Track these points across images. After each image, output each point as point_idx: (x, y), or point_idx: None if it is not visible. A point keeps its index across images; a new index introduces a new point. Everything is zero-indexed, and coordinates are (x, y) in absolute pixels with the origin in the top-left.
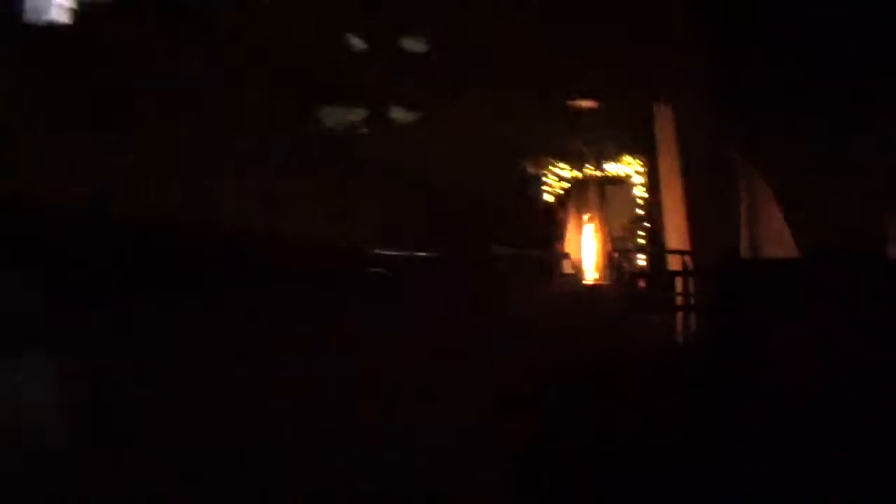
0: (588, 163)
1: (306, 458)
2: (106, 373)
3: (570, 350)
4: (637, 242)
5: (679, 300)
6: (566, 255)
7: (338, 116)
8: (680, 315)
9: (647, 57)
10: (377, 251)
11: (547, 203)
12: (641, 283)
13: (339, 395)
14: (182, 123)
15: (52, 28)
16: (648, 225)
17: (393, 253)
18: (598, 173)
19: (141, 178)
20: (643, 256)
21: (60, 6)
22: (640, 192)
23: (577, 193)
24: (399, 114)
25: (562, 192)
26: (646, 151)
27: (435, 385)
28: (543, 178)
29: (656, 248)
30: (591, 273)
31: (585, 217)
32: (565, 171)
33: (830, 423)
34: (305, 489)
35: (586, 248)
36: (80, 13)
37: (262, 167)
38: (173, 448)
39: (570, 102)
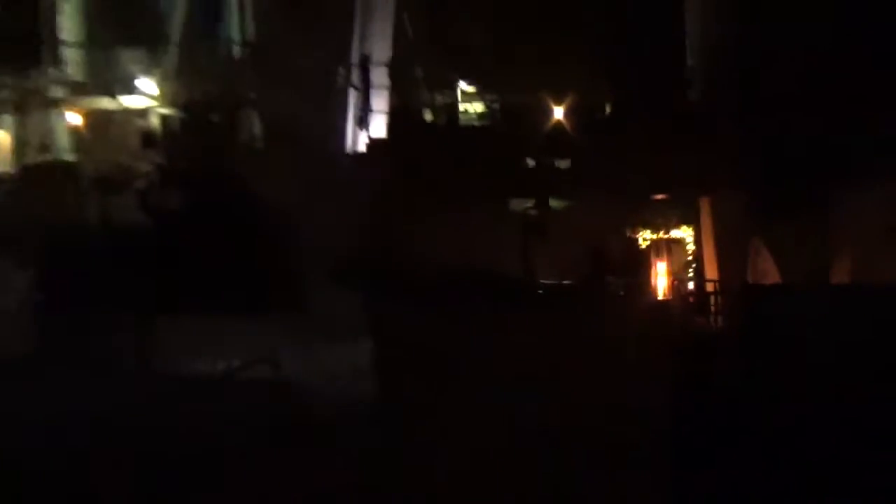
0: (661, 229)
1: None
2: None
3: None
4: (688, 276)
5: (711, 309)
6: (651, 282)
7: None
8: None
9: (695, 173)
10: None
11: (641, 251)
12: (690, 299)
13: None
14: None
15: None
16: (695, 266)
17: (551, 282)
18: (667, 235)
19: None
20: (692, 284)
21: None
22: (690, 247)
23: (656, 246)
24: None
25: (647, 244)
26: (694, 223)
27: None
28: (639, 237)
29: (699, 279)
30: (663, 293)
31: (661, 260)
32: (648, 234)
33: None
34: None
35: (661, 279)
36: None
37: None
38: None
39: (654, 196)
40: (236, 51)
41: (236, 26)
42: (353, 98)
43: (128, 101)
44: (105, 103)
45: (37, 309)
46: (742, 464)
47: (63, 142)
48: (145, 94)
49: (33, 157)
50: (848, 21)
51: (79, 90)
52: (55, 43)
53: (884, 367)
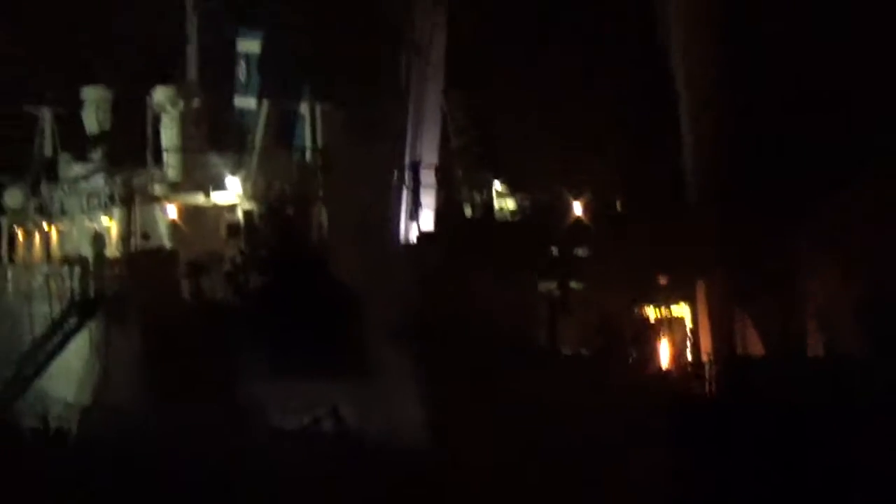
0: (664, 307)
1: None
2: None
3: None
4: (686, 347)
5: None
6: (655, 352)
7: None
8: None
9: (691, 260)
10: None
11: (648, 325)
12: (688, 367)
13: None
14: None
15: None
16: (692, 338)
17: (571, 350)
18: (669, 312)
19: None
20: (690, 354)
21: None
22: (688, 322)
23: (659, 322)
24: None
25: (653, 320)
26: (691, 302)
27: None
28: (646, 314)
29: (696, 350)
30: (665, 362)
31: (663, 334)
32: (653, 311)
33: None
34: None
35: (664, 350)
36: None
37: None
38: None
39: (657, 279)
40: (308, 156)
41: (308, 136)
42: (405, 195)
43: (217, 198)
44: (197, 199)
45: (144, 372)
46: None
47: (162, 232)
48: (232, 192)
49: (136, 245)
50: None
51: (176, 188)
52: (157, 148)
53: (851, 426)
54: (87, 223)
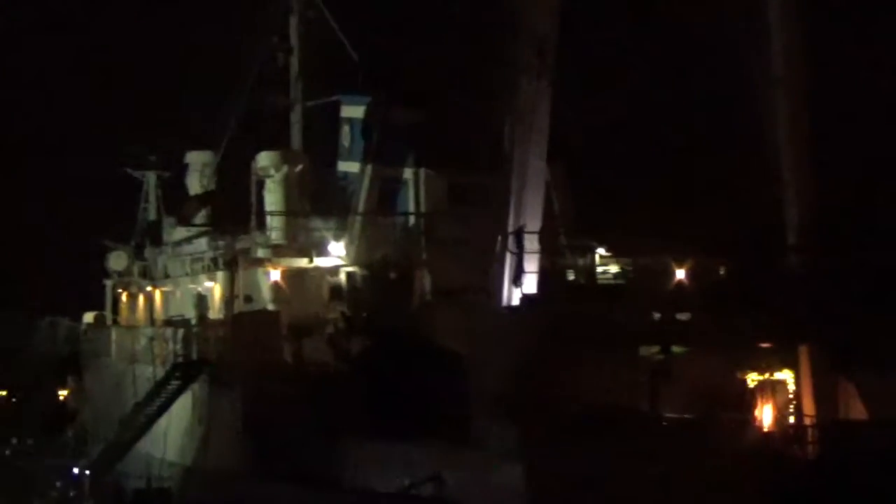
0: (766, 371)
1: None
2: None
3: None
4: (789, 412)
5: (809, 440)
6: (757, 417)
7: None
8: None
9: (794, 326)
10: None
11: (750, 390)
12: (790, 431)
13: None
14: None
15: None
16: (794, 402)
17: (674, 415)
18: (771, 376)
19: None
20: (792, 419)
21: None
22: (791, 386)
23: (762, 386)
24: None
25: (755, 384)
26: (794, 366)
27: None
28: (748, 378)
29: (798, 414)
30: (768, 426)
31: (766, 398)
32: (755, 375)
33: None
34: None
35: (766, 414)
36: None
37: None
38: None
39: (760, 344)
40: (411, 221)
41: (411, 202)
42: (508, 260)
43: (319, 261)
44: (300, 262)
45: (246, 435)
46: None
47: (264, 294)
48: (334, 255)
49: (239, 308)
50: None
51: (279, 251)
52: (260, 211)
53: None
54: (189, 286)
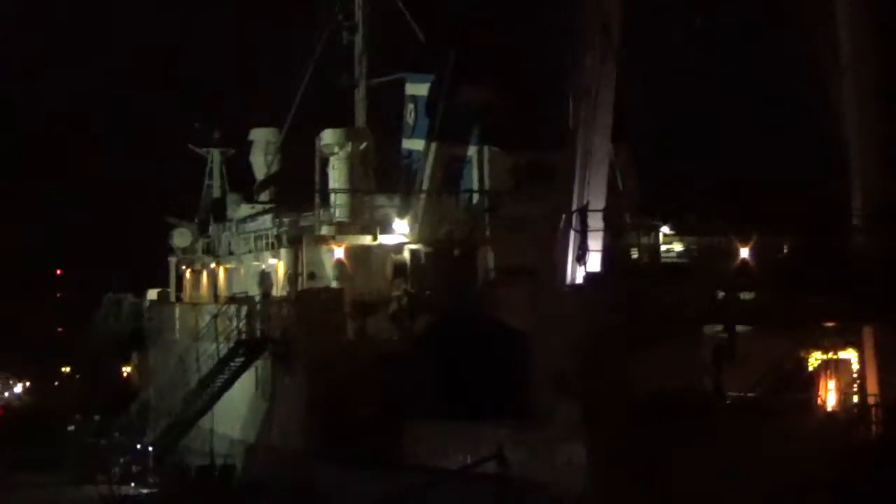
0: (830, 350)
1: None
2: None
3: None
4: (853, 391)
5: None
6: (821, 396)
7: None
8: None
9: (859, 305)
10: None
11: (814, 369)
12: (855, 410)
13: None
14: None
15: None
16: (858, 382)
17: (737, 394)
18: (836, 356)
19: None
20: (856, 398)
21: None
22: (855, 366)
23: (825, 365)
24: None
25: (819, 363)
26: (858, 346)
27: None
28: (812, 357)
29: (862, 393)
30: (831, 405)
31: (829, 377)
32: (820, 354)
33: None
34: None
35: (830, 393)
36: None
37: None
38: None
39: (824, 323)
40: (475, 199)
41: (475, 180)
42: (572, 238)
43: (383, 238)
44: (364, 239)
45: (309, 412)
46: None
47: (328, 271)
48: (398, 233)
49: (303, 285)
50: None
51: (343, 228)
52: (324, 189)
53: None
54: (253, 263)
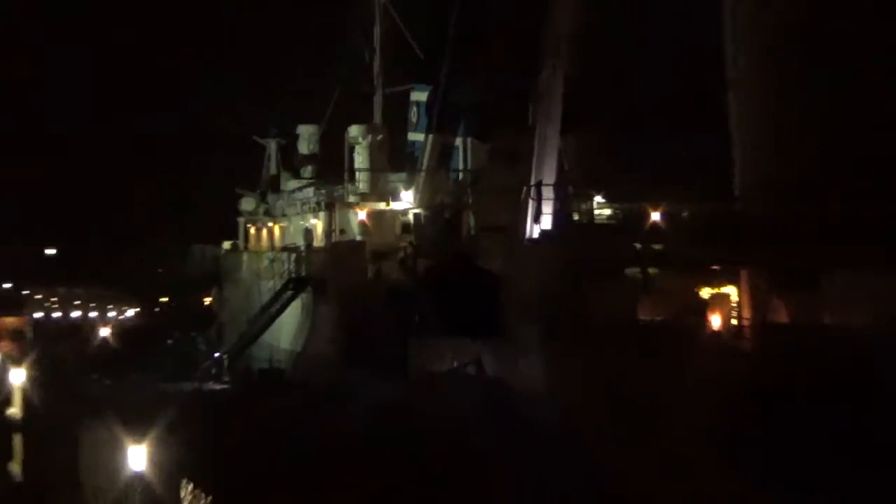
0: (717, 286)
1: None
2: None
3: None
4: (732, 316)
5: (746, 336)
6: (710, 320)
7: None
8: None
9: (738, 256)
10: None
11: (705, 300)
12: (733, 330)
13: None
14: None
15: None
16: (736, 310)
17: (652, 318)
18: (720, 290)
19: None
20: (734, 321)
21: None
22: (734, 297)
23: (713, 298)
24: None
25: (709, 296)
26: (737, 283)
27: None
28: (705, 291)
29: (739, 319)
30: (718, 326)
31: (716, 306)
32: (709, 289)
33: None
34: None
35: (716, 318)
36: None
37: None
38: None
39: (713, 267)
40: (461, 176)
41: (461, 161)
42: (531, 205)
43: (394, 205)
44: (380, 205)
45: (339, 330)
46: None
47: (354, 228)
48: (404, 201)
49: (335, 238)
50: None
51: (364, 197)
52: (351, 168)
53: (851, 380)
54: (300, 222)
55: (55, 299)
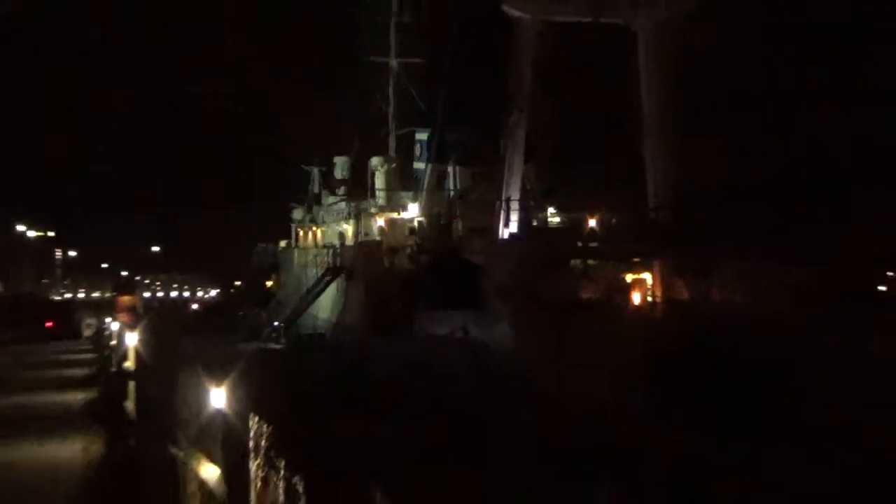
0: (637, 273)
1: None
2: None
3: None
4: (647, 295)
5: (658, 310)
6: (631, 298)
7: None
8: None
9: (652, 251)
10: (584, 296)
11: (629, 283)
12: (649, 306)
13: None
14: None
15: None
16: (650, 291)
17: (588, 296)
18: (639, 276)
19: None
20: (649, 299)
21: None
22: (649, 281)
23: (634, 282)
24: None
25: (631, 280)
26: (651, 271)
27: None
28: (628, 277)
29: (652, 297)
30: (637, 303)
31: (637, 288)
32: (632, 275)
33: None
34: None
35: (636, 297)
36: None
37: None
38: None
39: (634, 259)
40: (452, 194)
41: (452, 182)
42: (502, 215)
43: (404, 214)
44: (393, 215)
45: (364, 306)
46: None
47: (374, 232)
48: (411, 212)
49: (361, 238)
50: None
51: (382, 209)
52: (373, 188)
53: (733, 341)
54: (335, 227)
55: (158, 283)
